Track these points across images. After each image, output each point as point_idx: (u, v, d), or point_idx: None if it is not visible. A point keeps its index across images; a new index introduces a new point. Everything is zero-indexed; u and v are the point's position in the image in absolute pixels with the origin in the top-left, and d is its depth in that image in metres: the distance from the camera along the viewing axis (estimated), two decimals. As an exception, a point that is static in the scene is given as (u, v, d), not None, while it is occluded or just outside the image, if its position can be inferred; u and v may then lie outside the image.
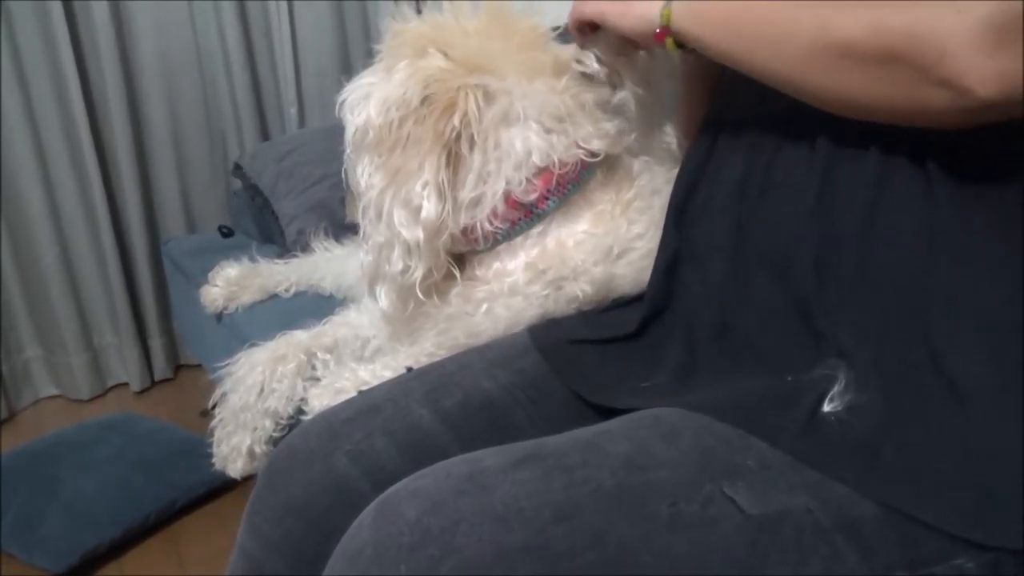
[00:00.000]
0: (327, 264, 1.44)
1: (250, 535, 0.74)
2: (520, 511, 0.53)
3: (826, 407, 0.60)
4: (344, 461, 0.73)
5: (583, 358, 0.80)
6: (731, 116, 0.76)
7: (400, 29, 0.90)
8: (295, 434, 0.77)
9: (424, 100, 0.85)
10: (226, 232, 1.92)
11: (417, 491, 0.56)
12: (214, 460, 1.11)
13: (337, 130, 2.01)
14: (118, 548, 1.57)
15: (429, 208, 0.84)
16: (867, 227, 0.63)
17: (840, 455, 0.57)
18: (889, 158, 0.63)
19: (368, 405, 0.77)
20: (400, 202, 0.85)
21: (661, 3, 0.70)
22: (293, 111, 2.20)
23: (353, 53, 2.24)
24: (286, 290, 1.44)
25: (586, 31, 0.84)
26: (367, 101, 0.88)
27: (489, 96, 0.85)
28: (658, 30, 0.71)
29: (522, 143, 0.86)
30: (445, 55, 0.86)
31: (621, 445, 0.59)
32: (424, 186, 0.84)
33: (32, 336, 2.14)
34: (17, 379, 2.16)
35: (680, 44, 0.71)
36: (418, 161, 0.84)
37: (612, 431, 0.61)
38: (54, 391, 2.22)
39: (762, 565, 0.53)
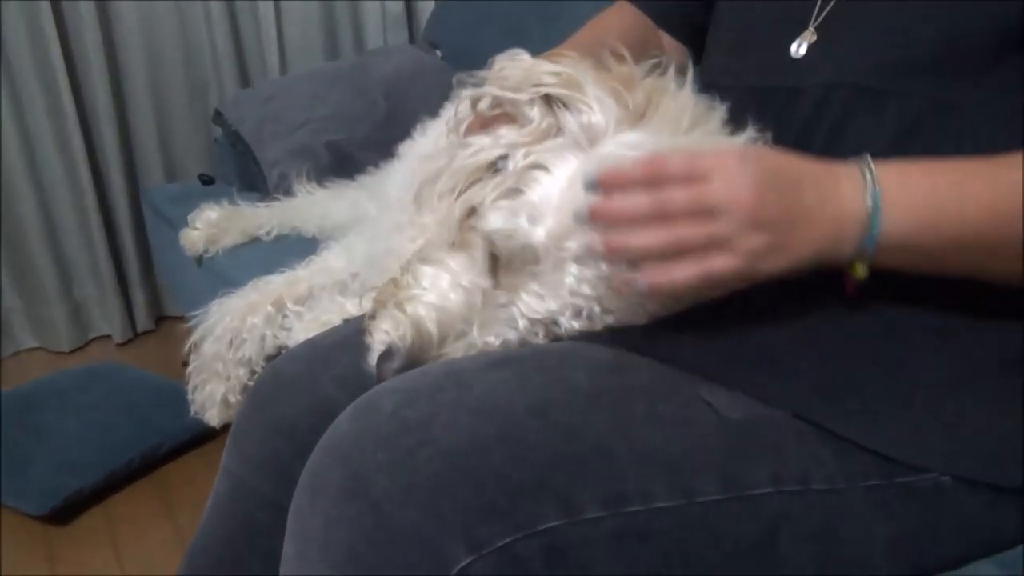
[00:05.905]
0: (310, 207, 1.44)
1: (235, 456, 0.74)
2: (496, 406, 0.54)
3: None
4: (330, 385, 0.73)
5: None
6: (721, 80, 0.74)
7: None
8: (281, 359, 0.77)
9: None
10: (206, 180, 1.90)
11: (395, 388, 0.57)
12: (193, 408, 1.11)
13: (318, 74, 1.96)
14: (103, 492, 1.58)
15: None
16: None
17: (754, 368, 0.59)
18: (905, 143, 0.63)
19: (355, 332, 0.77)
20: None
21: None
22: (274, 59, 2.17)
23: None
24: (267, 233, 1.43)
25: None
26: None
27: None
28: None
29: None
30: None
31: (599, 352, 0.60)
32: None
33: (11, 287, 2.12)
34: (-3, 330, 2.14)
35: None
36: None
37: (590, 343, 0.62)
38: (35, 343, 2.20)
39: (740, 463, 0.54)
